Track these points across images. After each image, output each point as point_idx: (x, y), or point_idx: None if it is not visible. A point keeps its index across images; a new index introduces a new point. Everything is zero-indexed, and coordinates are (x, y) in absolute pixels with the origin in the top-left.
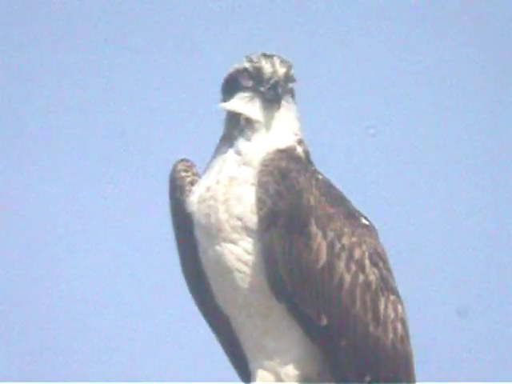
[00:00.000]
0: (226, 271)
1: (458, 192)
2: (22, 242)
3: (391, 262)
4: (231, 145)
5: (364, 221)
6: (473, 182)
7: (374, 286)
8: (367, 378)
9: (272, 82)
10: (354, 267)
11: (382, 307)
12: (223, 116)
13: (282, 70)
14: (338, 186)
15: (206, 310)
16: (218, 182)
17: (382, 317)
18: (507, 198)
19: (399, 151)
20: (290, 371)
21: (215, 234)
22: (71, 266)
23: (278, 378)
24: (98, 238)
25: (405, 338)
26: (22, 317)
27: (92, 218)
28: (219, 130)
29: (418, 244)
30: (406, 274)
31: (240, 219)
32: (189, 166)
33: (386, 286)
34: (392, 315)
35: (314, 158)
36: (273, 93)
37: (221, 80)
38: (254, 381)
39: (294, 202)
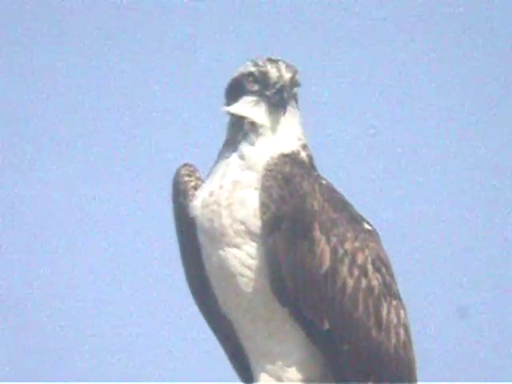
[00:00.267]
0: (230, 275)
1: (458, 192)
2: (23, 242)
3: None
4: (235, 149)
5: (367, 226)
6: (473, 183)
7: (376, 291)
8: (369, 383)
9: (278, 86)
10: (356, 272)
11: (384, 312)
12: (226, 120)
13: (287, 75)
14: (338, 187)
15: (208, 314)
16: (221, 187)
17: (384, 322)
18: (507, 198)
19: (399, 152)
20: (293, 375)
21: (218, 238)
22: (74, 267)
23: (281, 382)
24: (101, 241)
25: (407, 344)
26: (22, 317)
27: (96, 222)
28: (222, 134)
29: (418, 244)
30: (405, 273)
31: (243, 223)
32: (192, 170)
33: (389, 291)
34: (395, 320)
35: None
36: (279, 97)
37: (224, 84)
38: None
39: (298, 206)
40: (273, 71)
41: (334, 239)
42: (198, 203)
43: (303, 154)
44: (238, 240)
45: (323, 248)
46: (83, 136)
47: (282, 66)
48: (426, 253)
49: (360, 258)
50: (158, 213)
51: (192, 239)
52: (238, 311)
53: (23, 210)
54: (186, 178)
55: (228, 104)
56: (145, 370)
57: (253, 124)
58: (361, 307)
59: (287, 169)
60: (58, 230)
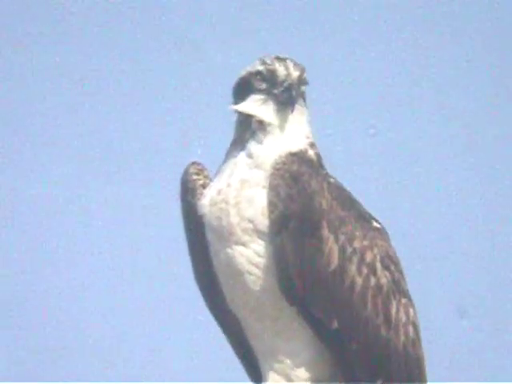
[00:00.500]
0: (237, 274)
1: (458, 192)
2: (26, 242)
3: None
4: (243, 148)
5: (375, 224)
6: (473, 183)
7: (385, 289)
8: (378, 382)
9: (286, 84)
10: (365, 270)
11: (393, 310)
12: (234, 119)
13: (295, 73)
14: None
15: (217, 312)
16: (229, 185)
17: (393, 320)
18: (508, 199)
19: (399, 151)
20: (301, 374)
21: (226, 236)
22: (78, 266)
23: (289, 381)
24: (106, 239)
25: (416, 342)
26: (22, 317)
27: (101, 221)
28: (230, 133)
29: (418, 243)
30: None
31: (251, 222)
32: (200, 169)
33: (398, 289)
34: (404, 318)
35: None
36: (287, 95)
37: (232, 83)
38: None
39: (306, 205)
40: (281, 69)
41: (342, 237)
42: (206, 201)
43: (311, 153)
44: (246, 238)
45: (331, 246)
46: (91, 135)
47: (290, 65)
48: (425, 252)
49: (369, 257)
50: (166, 211)
51: (200, 237)
52: (246, 309)
53: (23, 210)
54: (195, 177)
55: (236, 103)
56: (146, 371)
57: (261, 122)
58: (370, 305)
59: (295, 167)
60: (59, 229)
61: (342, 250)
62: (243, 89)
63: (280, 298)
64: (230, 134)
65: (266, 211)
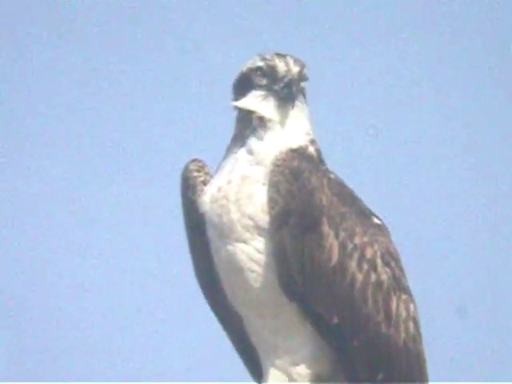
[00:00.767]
0: (238, 270)
1: (458, 192)
2: (26, 242)
3: None
4: (243, 144)
5: (376, 220)
6: (473, 182)
7: (385, 285)
8: (379, 377)
9: (286, 80)
10: (365, 266)
11: (393, 306)
12: (234, 115)
13: (296, 69)
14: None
15: (217, 309)
16: (229, 182)
17: (393, 316)
18: (508, 198)
19: (399, 151)
20: (302, 370)
21: (227, 233)
22: (78, 265)
23: (290, 377)
24: (106, 238)
25: (417, 338)
26: (22, 317)
27: (101, 218)
28: (231, 129)
29: (418, 243)
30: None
31: (252, 218)
32: (201, 165)
33: (398, 285)
34: (404, 314)
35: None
36: (287, 91)
37: (232, 79)
38: (267, 380)
39: (306, 201)
40: (281, 65)
41: (342, 234)
42: (206, 198)
43: (311, 149)
44: (247, 235)
45: (332, 243)
46: (92, 133)
47: (290, 61)
48: (425, 252)
49: (369, 253)
50: (166, 208)
51: (201, 234)
52: (247, 306)
53: (23, 210)
54: (195, 174)
55: (236, 99)
56: (146, 371)
57: (261, 119)
58: (370, 302)
59: (295, 164)
60: (59, 229)
61: (343, 246)
62: (243, 85)
63: (280, 295)
64: (229, 131)
65: (266, 207)
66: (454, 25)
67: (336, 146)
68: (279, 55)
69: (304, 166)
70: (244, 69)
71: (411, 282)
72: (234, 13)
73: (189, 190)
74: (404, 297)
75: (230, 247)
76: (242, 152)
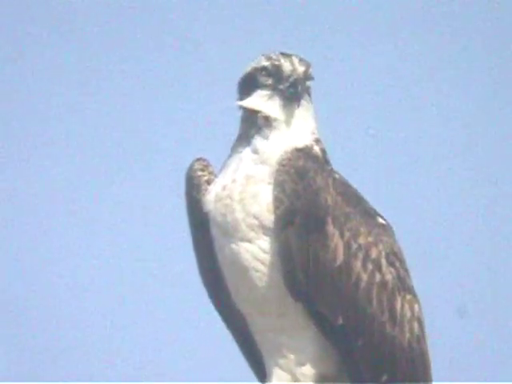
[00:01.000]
0: (243, 270)
1: (458, 192)
2: (26, 242)
3: None
4: (248, 143)
5: (381, 220)
6: (473, 182)
7: (390, 285)
8: (384, 378)
9: (291, 79)
10: (370, 267)
11: (398, 307)
12: (239, 115)
13: (301, 69)
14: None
15: (221, 308)
16: (234, 181)
17: (398, 316)
18: (508, 198)
19: (401, 151)
20: (307, 370)
21: (231, 232)
22: (78, 265)
23: (294, 377)
24: (110, 236)
25: (421, 338)
26: (22, 317)
27: (105, 218)
28: (236, 128)
29: (418, 243)
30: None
31: (256, 218)
32: (205, 165)
33: (403, 285)
34: (408, 314)
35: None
36: (292, 90)
37: (232, 81)
38: (271, 380)
39: (311, 201)
40: (286, 65)
41: (347, 234)
42: (211, 197)
43: (317, 149)
44: (251, 234)
45: (337, 243)
46: (92, 133)
47: (296, 60)
48: (425, 252)
49: (374, 253)
50: (170, 207)
51: (205, 233)
52: (251, 305)
53: (23, 210)
54: (200, 173)
55: (241, 98)
56: (146, 371)
57: (266, 118)
58: (375, 302)
59: (300, 163)
60: (59, 229)
61: (348, 246)
62: (248, 84)
63: (285, 294)
64: (233, 131)
65: (271, 207)
66: (454, 25)
67: (339, 146)
68: (284, 55)
69: (309, 166)
70: (249, 68)
71: (413, 281)
72: (234, 13)
73: (193, 189)
74: (409, 297)
75: (234, 246)
76: (246, 151)
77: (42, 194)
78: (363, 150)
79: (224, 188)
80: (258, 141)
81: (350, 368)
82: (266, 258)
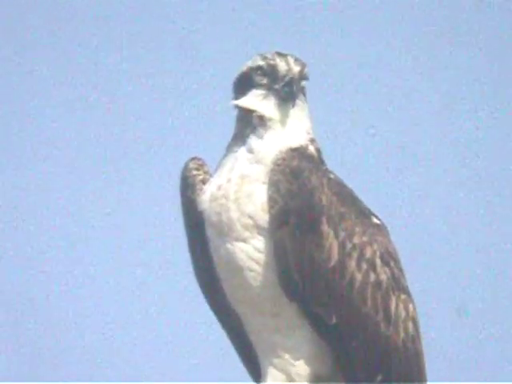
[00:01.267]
0: (237, 269)
1: (458, 192)
2: (26, 242)
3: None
4: (243, 143)
5: (375, 220)
6: (473, 182)
7: (385, 285)
8: (378, 378)
9: (287, 79)
10: (365, 266)
11: (393, 306)
12: (235, 114)
13: (296, 68)
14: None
15: (217, 308)
16: (229, 181)
17: (393, 316)
18: (508, 198)
19: (399, 151)
20: (301, 370)
21: (226, 232)
22: (78, 265)
23: (289, 377)
24: (107, 237)
25: (416, 338)
26: (22, 317)
27: (102, 218)
28: (231, 128)
29: (417, 243)
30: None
31: (251, 217)
32: (200, 164)
33: (398, 285)
34: (403, 314)
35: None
36: (288, 90)
37: (232, 78)
38: (265, 380)
39: (306, 201)
40: (282, 64)
41: (342, 233)
42: (206, 197)
43: (311, 148)
44: (246, 234)
45: (331, 242)
46: (90, 132)
47: (291, 60)
48: (425, 252)
49: (368, 252)
50: (165, 207)
51: (200, 233)
52: (246, 305)
53: (23, 210)
54: (195, 172)
55: (236, 98)
56: (146, 371)
57: (261, 117)
58: (369, 301)
59: (295, 163)
60: (59, 229)
61: (342, 245)
62: (244, 84)
63: (280, 294)
64: (229, 130)
65: (266, 207)
66: (454, 25)
67: (333, 146)
68: (280, 54)
69: (304, 166)
70: (244, 68)
71: (411, 281)
72: (234, 13)
73: (188, 188)
74: (403, 297)
75: (229, 246)
76: (242, 151)
77: (40, 193)
78: (358, 150)
79: (219, 187)
80: (253, 140)
81: (344, 367)
82: (261, 257)
